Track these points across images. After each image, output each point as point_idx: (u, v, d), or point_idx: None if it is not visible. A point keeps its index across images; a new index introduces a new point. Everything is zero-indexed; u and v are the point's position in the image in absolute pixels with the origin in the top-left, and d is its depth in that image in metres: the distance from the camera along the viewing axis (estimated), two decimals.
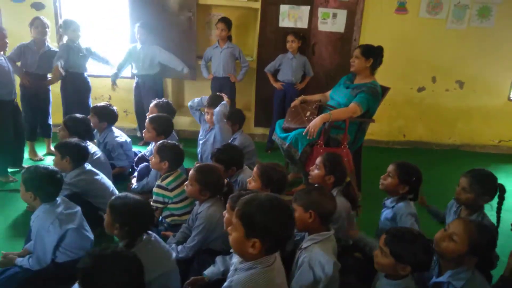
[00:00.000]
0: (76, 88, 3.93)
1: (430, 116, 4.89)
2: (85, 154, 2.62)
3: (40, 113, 3.84)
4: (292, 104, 3.49)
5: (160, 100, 3.51)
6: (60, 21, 4.07)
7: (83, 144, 2.61)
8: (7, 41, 3.15)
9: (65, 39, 3.88)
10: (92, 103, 4.04)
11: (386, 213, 2.28)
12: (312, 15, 4.33)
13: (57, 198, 2.17)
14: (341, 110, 3.07)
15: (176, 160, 2.62)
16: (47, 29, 3.65)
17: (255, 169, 2.24)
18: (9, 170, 3.43)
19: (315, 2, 4.29)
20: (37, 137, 3.92)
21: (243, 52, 4.31)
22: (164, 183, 2.54)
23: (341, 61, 4.46)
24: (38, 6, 4.37)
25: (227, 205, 1.81)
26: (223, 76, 4.25)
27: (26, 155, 3.72)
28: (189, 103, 3.49)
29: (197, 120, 3.53)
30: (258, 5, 4.32)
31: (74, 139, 2.64)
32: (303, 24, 4.36)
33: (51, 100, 3.95)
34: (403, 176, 2.22)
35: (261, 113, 4.71)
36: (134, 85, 4.30)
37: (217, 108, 3.11)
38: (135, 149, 3.79)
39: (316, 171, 2.32)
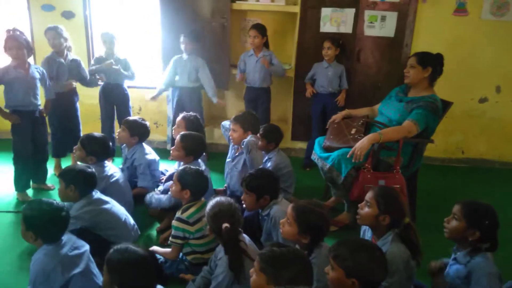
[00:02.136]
0: (116, 99, 3.83)
1: (493, 130, 4.28)
2: (92, 182, 2.34)
3: (70, 127, 3.67)
4: (334, 118, 3.07)
5: (188, 113, 3.21)
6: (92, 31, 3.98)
7: (89, 170, 2.34)
8: None
9: (103, 51, 3.78)
10: None
11: (457, 270, 1.80)
12: (358, 19, 3.89)
13: (62, 237, 1.89)
14: (393, 129, 2.62)
15: (199, 190, 2.29)
16: (61, 40, 3.45)
17: (289, 210, 1.85)
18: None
19: (361, 4, 3.85)
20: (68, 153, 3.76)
21: (282, 61, 3.99)
22: (184, 216, 2.21)
23: (390, 69, 3.98)
24: (68, 15, 4.25)
25: (255, 264, 1.44)
26: (259, 87, 3.89)
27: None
28: (222, 123, 3.19)
29: (226, 139, 3.20)
30: (296, 9, 3.95)
31: (80, 165, 2.38)
32: (347, 28, 3.93)
33: (79, 113, 3.77)
34: (472, 218, 1.75)
35: (299, 126, 4.31)
36: (176, 98, 4.02)
37: (248, 139, 2.76)
38: (164, 164, 3.51)
39: (366, 209, 1.89)
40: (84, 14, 4.23)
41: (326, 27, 3.94)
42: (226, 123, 3.21)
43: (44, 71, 3.22)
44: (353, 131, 2.86)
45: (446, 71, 2.84)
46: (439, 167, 4.29)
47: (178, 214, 2.25)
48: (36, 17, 4.23)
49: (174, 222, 2.23)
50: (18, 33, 2.98)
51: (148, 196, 2.75)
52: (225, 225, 1.87)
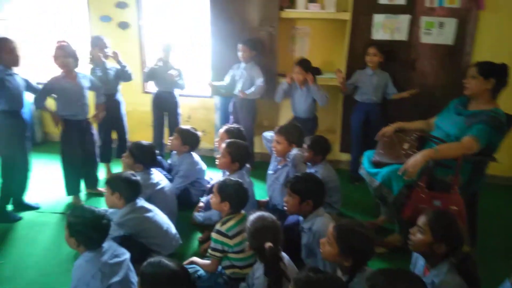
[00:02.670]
0: (167, 106, 3.94)
1: None
2: (136, 189, 2.37)
3: (116, 132, 3.81)
4: (384, 131, 2.89)
5: (231, 125, 3.19)
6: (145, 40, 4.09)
7: (134, 178, 2.37)
8: (18, 54, 2.97)
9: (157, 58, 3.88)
10: None
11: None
12: (413, 25, 3.67)
13: (103, 244, 1.91)
14: (451, 146, 2.41)
15: (239, 202, 2.24)
16: (107, 49, 3.60)
17: (330, 229, 1.73)
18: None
19: (417, 10, 3.63)
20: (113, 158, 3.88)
21: (327, 69, 3.84)
22: (223, 228, 2.16)
23: (448, 79, 3.71)
24: (124, 26, 4.42)
25: None
26: (305, 117, 3.77)
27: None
28: (264, 133, 3.13)
29: (268, 150, 3.13)
30: (347, 16, 3.81)
31: (126, 173, 2.42)
32: (401, 35, 3.72)
33: (125, 119, 3.89)
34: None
35: (348, 137, 4.13)
36: (232, 105, 4.04)
37: (294, 152, 2.67)
38: (210, 172, 3.52)
39: (419, 236, 1.73)
40: (138, 25, 4.39)
41: (379, 34, 3.76)
42: (267, 134, 3.15)
43: (93, 77, 3.35)
44: (405, 146, 2.67)
45: (511, 83, 2.58)
46: (504, 187, 3.92)
47: (217, 226, 2.21)
48: (95, 27, 4.46)
49: (213, 234, 2.19)
50: (65, 43, 3.12)
51: (196, 215, 2.74)
52: (269, 244, 1.79)
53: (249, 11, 3.93)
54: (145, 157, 2.74)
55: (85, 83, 3.24)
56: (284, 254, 1.94)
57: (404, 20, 3.66)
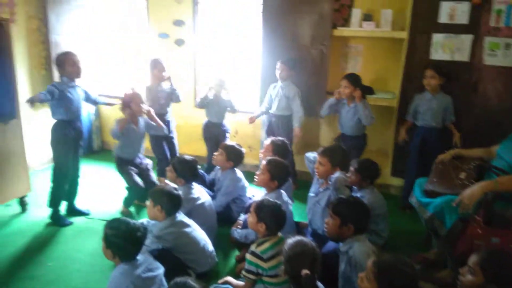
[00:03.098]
0: (216, 136, 4.01)
1: None
2: (177, 204, 2.39)
3: (171, 151, 3.96)
4: (441, 158, 2.69)
5: (276, 138, 3.16)
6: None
7: (176, 192, 2.40)
8: (80, 66, 3.15)
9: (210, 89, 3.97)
10: None
11: None
12: (476, 46, 3.43)
13: (139, 257, 1.94)
14: None
15: (275, 224, 2.17)
16: (165, 72, 3.77)
17: (370, 263, 1.61)
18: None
19: (481, 30, 3.39)
20: None
21: (381, 89, 3.69)
22: (258, 250, 2.10)
23: None
24: (180, 42, 4.59)
25: None
26: (353, 135, 3.63)
27: None
28: (306, 154, 3.05)
29: (310, 171, 3.03)
30: (404, 34, 3.65)
31: (168, 186, 2.44)
32: (462, 56, 3.49)
33: (175, 136, 4.02)
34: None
35: (400, 161, 3.91)
36: (267, 123, 4.04)
37: (337, 175, 2.57)
38: (253, 189, 3.50)
39: (469, 277, 1.56)
40: (192, 41, 4.54)
41: (438, 54, 3.55)
42: (310, 155, 3.06)
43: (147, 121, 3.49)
44: (462, 175, 2.47)
45: None
46: None
47: (252, 247, 2.15)
48: (154, 43, 4.67)
49: (248, 256, 2.14)
50: (137, 92, 3.34)
51: (234, 230, 2.72)
52: (306, 271, 1.71)
53: (301, 29, 3.91)
54: (187, 171, 2.77)
55: (143, 124, 3.43)
56: (320, 284, 1.84)
57: (466, 40, 3.43)
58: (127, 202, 3.45)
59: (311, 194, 2.89)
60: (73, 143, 3.20)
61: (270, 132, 3.99)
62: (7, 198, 3.22)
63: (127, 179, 3.33)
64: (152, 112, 3.42)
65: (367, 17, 3.86)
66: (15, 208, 3.39)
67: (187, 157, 2.88)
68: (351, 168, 2.85)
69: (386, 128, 4.04)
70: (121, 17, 4.92)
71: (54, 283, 2.49)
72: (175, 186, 2.52)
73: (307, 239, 1.92)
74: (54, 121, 3.14)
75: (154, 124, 3.44)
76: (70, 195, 3.35)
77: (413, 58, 3.66)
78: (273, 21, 3.96)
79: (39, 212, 3.35)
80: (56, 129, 3.11)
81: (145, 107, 3.37)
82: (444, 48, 3.52)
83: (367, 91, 3.59)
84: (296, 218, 3.01)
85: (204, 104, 3.90)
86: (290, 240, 1.89)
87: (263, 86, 4.13)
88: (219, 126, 3.99)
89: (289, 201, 2.77)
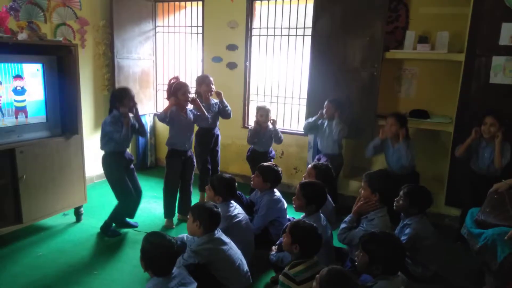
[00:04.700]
0: (261, 162, 4.00)
1: None
2: (216, 221, 2.42)
3: (213, 165, 4.01)
4: (496, 187, 2.48)
5: (320, 162, 3.11)
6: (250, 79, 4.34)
7: (216, 210, 2.43)
8: (135, 102, 3.29)
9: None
10: None
11: None
12: None
13: (173, 271, 1.98)
14: None
15: (310, 247, 2.11)
16: (213, 86, 3.87)
17: None
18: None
19: None
20: None
21: (436, 113, 3.57)
22: (291, 272, 2.06)
23: None
24: (232, 66, 4.76)
25: None
26: (401, 174, 3.47)
27: None
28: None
29: None
30: (461, 57, 3.48)
31: (209, 203, 2.49)
32: None
33: (219, 153, 4.09)
34: None
35: (455, 189, 3.66)
36: (317, 157, 3.98)
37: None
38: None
39: None
40: (244, 65, 4.68)
41: (498, 78, 3.32)
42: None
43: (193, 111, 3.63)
44: None
45: None
46: None
47: (286, 269, 2.11)
48: (207, 67, 4.89)
49: (281, 277, 2.09)
50: (174, 81, 3.47)
51: (271, 254, 2.69)
52: None
53: (351, 52, 3.88)
54: (225, 189, 2.80)
55: (191, 116, 3.56)
56: None
57: None
58: (166, 212, 3.60)
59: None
60: (126, 169, 3.36)
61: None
62: (65, 208, 3.48)
63: (168, 173, 3.47)
64: (222, 95, 3.53)
65: (422, 39, 3.75)
66: (71, 217, 3.64)
67: (225, 175, 2.93)
68: (401, 193, 2.72)
69: (441, 154, 3.82)
70: (179, 42, 5.22)
71: None
72: (214, 203, 2.56)
73: (344, 269, 1.84)
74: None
75: (199, 113, 3.52)
76: (129, 214, 3.51)
77: (471, 81, 3.46)
78: (322, 44, 3.98)
79: (92, 222, 3.57)
80: (107, 161, 3.28)
81: (190, 95, 3.47)
82: (506, 71, 3.29)
83: (422, 115, 3.46)
84: (338, 244, 2.90)
85: (254, 140, 3.89)
86: (327, 269, 1.81)
87: (309, 108, 4.12)
88: (265, 154, 3.97)
89: (329, 225, 2.69)
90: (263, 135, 3.88)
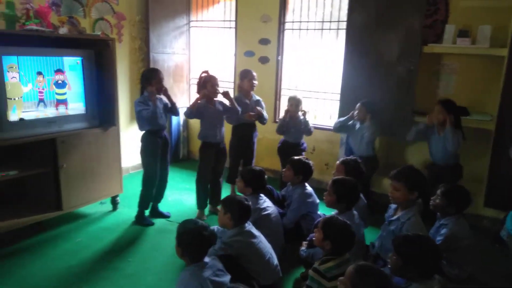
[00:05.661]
0: (292, 155, 3.95)
1: None
2: (246, 214, 2.44)
3: (245, 157, 4.02)
4: None
5: (348, 157, 3.06)
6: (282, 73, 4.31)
7: (246, 203, 2.44)
8: (163, 83, 3.38)
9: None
10: None
11: None
12: None
13: (207, 260, 2.02)
14: None
15: (342, 244, 2.09)
16: (256, 82, 3.84)
17: None
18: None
19: None
20: None
21: (476, 110, 3.47)
22: (322, 268, 2.05)
23: None
24: (264, 60, 4.76)
25: None
26: (443, 165, 3.38)
27: None
28: None
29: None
30: (504, 52, 3.32)
31: (240, 196, 2.51)
32: None
33: (255, 147, 4.08)
34: None
35: (496, 190, 3.52)
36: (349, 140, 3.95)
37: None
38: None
39: None
40: (276, 59, 4.67)
41: None
42: None
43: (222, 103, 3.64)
44: None
45: None
46: None
47: (316, 264, 2.10)
48: (239, 61, 4.91)
49: (311, 272, 2.09)
50: (204, 74, 3.50)
51: (302, 249, 2.68)
52: None
53: (387, 46, 3.78)
54: (254, 181, 2.83)
55: (221, 108, 3.58)
56: None
57: None
58: (198, 203, 3.66)
59: (388, 216, 2.70)
60: (161, 151, 3.46)
61: (350, 151, 3.91)
62: (102, 197, 3.61)
63: (201, 166, 3.52)
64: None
65: (462, 33, 3.60)
66: (108, 206, 3.78)
67: (255, 167, 2.95)
68: (438, 192, 2.64)
69: (481, 153, 3.67)
70: (213, 37, 5.27)
71: (132, 277, 2.71)
72: (245, 196, 2.59)
73: (376, 267, 1.81)
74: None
75: (230, 106, 3.55)
76: (155, 197, 3.63)
77: None
78: (357, 37, 3.90)
79: (127, 211, 3.68)
80: (145, 139, 3.40)
81: (220, 89, 3.50)
82: None
83: (462, 111, 3.33)
84: (366, 242, 2.85)
85: (283, 129, 3.90)
86: (359, 265, 1.78)
87: (342, 104, 4.06)
88: (297, 146, 3.96)
89: (361, 223, 2.65)
90: (293, 125, 3.87)
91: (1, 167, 2.96)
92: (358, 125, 3.78)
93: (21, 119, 2.93)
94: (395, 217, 2.55)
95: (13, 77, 2.85)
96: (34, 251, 2.96)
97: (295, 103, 3.84)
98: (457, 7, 3.75)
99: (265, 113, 3.89)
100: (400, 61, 3.74)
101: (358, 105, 3.72)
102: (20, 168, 3.03)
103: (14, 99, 2.88)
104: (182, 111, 5.23)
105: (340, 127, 3.90)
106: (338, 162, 3.09)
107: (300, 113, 3.86)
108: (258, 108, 3.82)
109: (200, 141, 3.62)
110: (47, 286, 2.56)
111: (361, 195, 2.86)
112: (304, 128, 3.88)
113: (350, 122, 3.82)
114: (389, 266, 2.02)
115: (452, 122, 3.23)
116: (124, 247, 3.11)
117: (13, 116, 2.88)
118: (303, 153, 3.98)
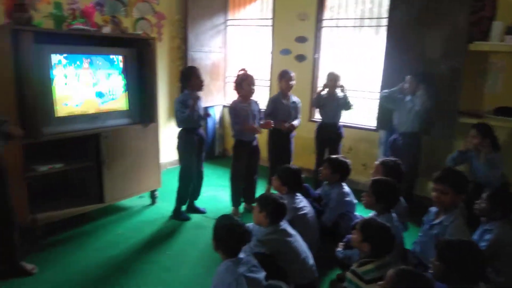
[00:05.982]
0: (329, 137, 3.98)
1: None
2: (282, 212, 2.42)
3: (283, 157, 4.00)
4: None
5: (387, 158, 2.98)
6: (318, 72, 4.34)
7: (281, 201, 2.43)
8: (203, 80, 3.46)
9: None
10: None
11: None
12: None
13: (242, 256, 2.04)
14: None
15: (381, 247, 2.04)
16: (293, 82, 3.84)
17: None
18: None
19: None
20: None
21: None
22: (360, 270, 2.01)
23: None
24: (301, 58, 4.72)
25: None
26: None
27: None
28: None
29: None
30: None
31: (275, 194, 2.50)
32: None
33: (293, 147, 4.06)
34: None
35: None
36: (391, 141, 3.85)
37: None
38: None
39: None
40: (313, 57, 4.62)
41: None
42: None
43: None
44: None
45: None
46: None
47: (354, 266, 2.06)
48: (276, 60, 4.90)
49: (348, 274, 2.05)
50: (241, 72, 3.52)
51: (338, 250, 2.65)
52: None
53: (430, 43, 3.66)
54: (291, 180, 2.81)
55: (256, 108, 3.58)
56: None
57: None
58: (233, 200, 3.69)
59: (424, 226, 2.61)
60: (197, 149, 3.52)
61: (393, 152, 3.74)
62: (141, 191, 3.72)
63: (235, 164, 3.55)
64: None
65: (511, 30, 3.42)
66: (147, 200, 3.89)
67: (292, 166, 2.93)
68: (483, 195, 2.52)
69: None
70: (250, 35, 5.29)
71: (170, 270, 2.78)
72: (281, 195, 2.58)
73: (418, 271, 1.76)
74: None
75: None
76: (192, 194, 3.69)
77: None
78: (398, 35, 3.80)
79: (165, 205, 3.78)
80: (181, 136, 3.46)
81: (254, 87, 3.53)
82: None
83: (496, 145, 3.16)
84: (409, 247, 2.76)
85: (319, 102, 3.90)
86: (397, 267, 1.74)
87: (381, 102, 3.95)
88: (334, 127, 3.93)
89: (401, 226, 2.58)
90: (329, 102, 3.85)
91: (48, 160, 3.11)
92: (408, 98, 3.64)
93: (68, 115, 3.07)
94: (437, 220, 2.46)
95: (60, 74, 2.99)
96: (78, 241, 3.10)
97: (333, 78, 3.83)
98: (505, 3, 3.57)
99: (297, 121, 3.89)
100: (444, 59, 3.61)
101: (407, 77, 3.60)
102: (66, 162, 3.18)
103: (61, 95, 3.01)
104: (218, 109, 5.39)
105: (387, 98, 3.74)
106: (377, 162, 3.02)
107: (338, 89, 3.84)
108: (292, 123, 3.83)
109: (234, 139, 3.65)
110: (89, 275, 2.68)
111: (402, 198, 2.77)
112: (343, 102, 3.84)
113: (399, 96, 3.67)
114: (430, 271, 1.96)
115: (489, 148, 3.09)
116: (161, 240, 3.19)
117: (60, 111, 3.02)
118: (341, 143, 3.96)
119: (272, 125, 3.64)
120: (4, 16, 2.83)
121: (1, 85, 2.74)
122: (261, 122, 3.61)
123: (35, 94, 2.78)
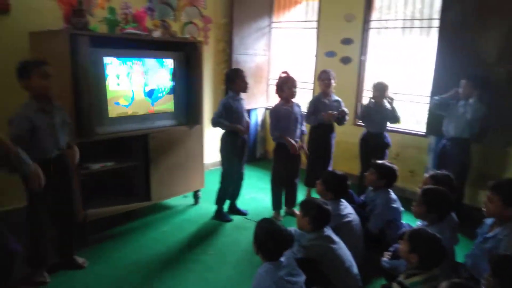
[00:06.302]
0: (374, 148, 3.85)
1: None
2: (326, 218, 2.38)
3: (323, 160, 3.95)
4: None
5: (439, 172, 2.84)
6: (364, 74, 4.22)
7: (326, 207, 2.39)
8: (247, 82, 3.47)
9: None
10: None
11: None
12: None
13: (283, 259, 2.03)
14: None
15: (430, 259, 1.95)
16: (332, 81, 3.77)
17: None
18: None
19: None
20: None
21: None
22: (407, 282, 1.93)
23: None
24: (346, 60, 4.64)
25: None
26: None
27: None
28: None
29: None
30: None
31: (319, 200, 2.46)
32: None
33: (333, 149, 3.99)
34: None
35: None
36: (440, 147, 3.67)
37: None
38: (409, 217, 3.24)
39: None
40: (359, 60, 4.53)
41: None
42: None
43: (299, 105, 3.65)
44: None
45: None
46: None
47: (401, 277, 1.99)
48: (320, 61, 4.85)
49: (395, 285, 1.98)
50: (283, 75, 3.50)
51: (384, 260, 2.56)
52: None
53: (485, 44, 3.49)
54: (336, 186, 2.75)
55: (298, 110, 3.57)
56: None
57: None
58: (273, 204, 3.68)
59: (483, 232, 2.46)
60: (239, 151, 3.54)
61: (442, 158, 3.60)
62: (185, 191, 3.81)
63: (276, 167, 3.54)
64: None
65: None
66: (190, 199, 3.98)
67: (338, 172, 2.87)
68: None
69: None
70: (294, 37, 5.27)
71: (212, 269, 2.82)
72: (325, 200, 2.54)
73: (472, 286, 1.67)
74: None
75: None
76: (233, 195, 3.73)
77: None
78: (451, 35, 3.65)
79: (207, 206, 3.84)
80: (224, 139, 3.50)
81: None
82: None
83: None
84: (456, 259, 2.62)
85: (365, 114, 3.80)
86: (449, 281, 1.66)
87: (432, 106, 3.79)
88: (379, 137, 3.81)
89: (453, 237, 2.45)
90: (376, 113, 3.74)
91: (100, 159, 3.26)
92: (461, 103, 3.47)
93: (120, 115, 3.20)
94: (491, 234, 2.32)
95: (113, 76, 3.12)
96: (125, 237, 3.22)
97: (381, 88, 3.72)
98: None
99: (346, 109, 3.83)
100: (499, 62, 3.41)
101: (462, 81, 3.42)
102: (116, 160, 3.32)
103: (113, 97, 3.15)
104: (260, 112, 5.41)
105: (438, 105, 3.58)
106: (426, 175, 2.88)
107: (385, 100, 3.73)
108: (345, 109, 3.77)
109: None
110: (135, 270, 2.77)
111: (453, 214, 2.61)
112: (390, 114, 3.73)
113: (451, 101, 3.51)
114: (483, 286, 1.85)
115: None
116: (204, 240, 3.25)
117: (112, 112, 3.15)
118: (387, 150, 3.82)
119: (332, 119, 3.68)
120: (63, 21, 3.00)
121: (61, 87, 2.89)
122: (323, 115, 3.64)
123: (90, 96, 2.92)
